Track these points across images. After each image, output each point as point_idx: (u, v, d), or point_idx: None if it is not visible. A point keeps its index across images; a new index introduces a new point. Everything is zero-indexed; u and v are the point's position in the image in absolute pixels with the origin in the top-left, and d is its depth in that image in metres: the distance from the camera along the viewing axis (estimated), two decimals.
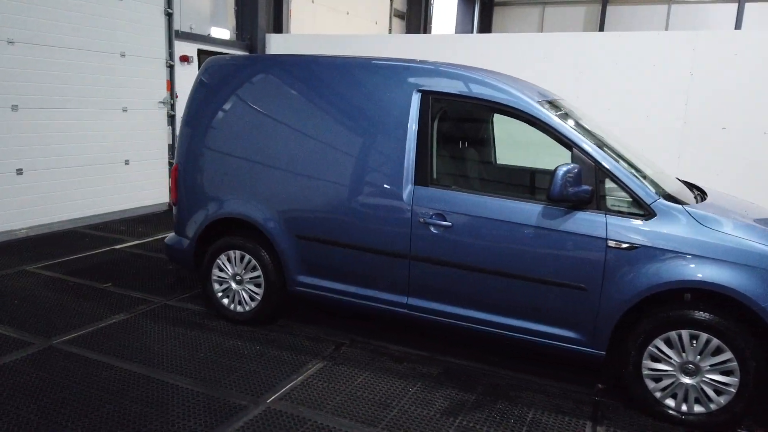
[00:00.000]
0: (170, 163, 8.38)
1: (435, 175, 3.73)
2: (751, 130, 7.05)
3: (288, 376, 3.60)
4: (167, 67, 8.23)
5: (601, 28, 23.19)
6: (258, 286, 4.26)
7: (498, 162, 4.76)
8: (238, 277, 4.33)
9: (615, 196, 3.31)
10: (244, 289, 4.32)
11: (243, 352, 3.89)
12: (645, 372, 3.24)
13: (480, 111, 3.98)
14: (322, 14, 12.37)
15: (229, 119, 4.30)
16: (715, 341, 3.05)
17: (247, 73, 4.31)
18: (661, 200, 3.22)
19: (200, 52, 8.88)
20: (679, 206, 3.20)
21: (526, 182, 3.81)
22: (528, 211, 3.42)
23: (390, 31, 15.59)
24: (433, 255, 3.64)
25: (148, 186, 8.21)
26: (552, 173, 3.20)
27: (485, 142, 4.66)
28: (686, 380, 3.15)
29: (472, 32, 22.99)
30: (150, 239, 6.72)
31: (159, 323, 4.32)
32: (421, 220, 3.64)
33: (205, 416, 3.09)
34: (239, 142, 4.24)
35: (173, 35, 8.26)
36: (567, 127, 3.42)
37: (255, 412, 3.16)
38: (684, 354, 3.13)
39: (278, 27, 10.70)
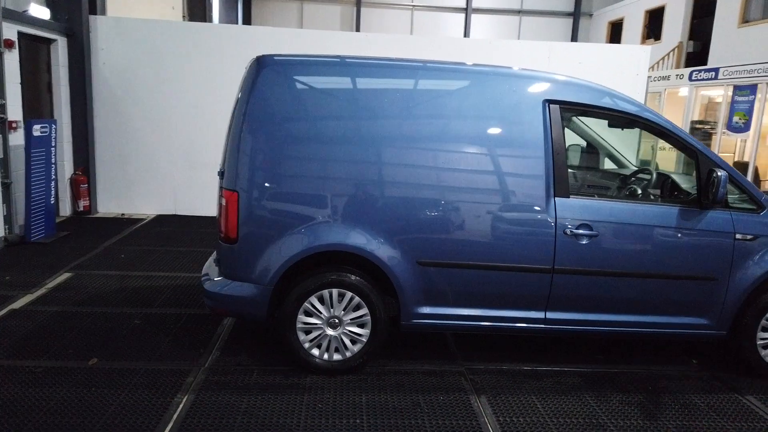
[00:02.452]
0: (3, 184, 6.26)
1: (572, 186, 3.71)
2: None
3: (469, 416, 3.21)
4: None
5: (357, 29, 24.56)
6: (362, 326, 3.63)
7: (606, 167, 4.81)
8: (334, 321, 3.62)
9: (733, 195, 3.79)
10: (343, 333, 3.63)
11: (398, 406, 3.31)
12: (758, 342, 3.82)
13: (598, 118, 4.05)
14: None
15: (319, 131, 3.52)
16: None
17: (337, 76, 3.59)
18: (766, 196, 3.82)
19: (20, 36, 6.77)
20: None
21: (649, 186, 4.05)
22: (666, 213, 3.69)
23: (185, 17, 14.02)
24: (579, 265, 3.64)
25: None
26: (714, 180, 3.51)
27: (594, 149, 4.74)
28: None
29: (237, 23, 22.04)
30: (42, 289, 4.99)
31: (242, 395, 3.36)
32: (567, 231, 3.59)
33: None
34: (337, 158, 3.52)
35: None
36: (691, 136, 3.77)
37: None
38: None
39: (93, 8, 8.75)
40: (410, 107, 3.57)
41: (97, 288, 5.09)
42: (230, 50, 8.10)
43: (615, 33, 24.04)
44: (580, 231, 3.60)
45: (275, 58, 3.58)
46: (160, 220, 8.00)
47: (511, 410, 3.35)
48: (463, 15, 25.72)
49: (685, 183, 4.06)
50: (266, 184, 3.50)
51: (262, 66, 3.54)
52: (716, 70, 11.89)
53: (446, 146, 3.58)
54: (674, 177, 4.09)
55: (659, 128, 3.75)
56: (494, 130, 3.60)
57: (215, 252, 4.17)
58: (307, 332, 3.62)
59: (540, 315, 3.72)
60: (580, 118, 4.41)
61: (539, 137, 3.60)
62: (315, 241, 3.49)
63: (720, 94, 12.46)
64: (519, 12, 26.12)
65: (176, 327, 4.33)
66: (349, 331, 3.63)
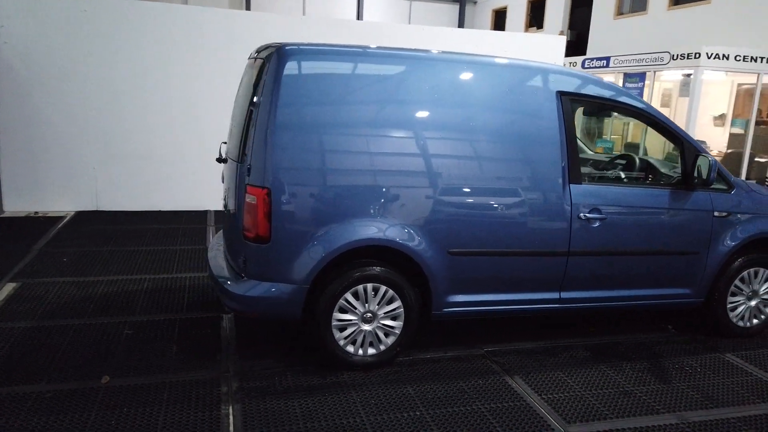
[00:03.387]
0: None
1: (583, 172, 3.95)
2: None
3: (515, 397, 3.37)
4: None
5: (248, 7, 23.69)
6: (395, 319, 3.64)
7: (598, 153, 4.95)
8: (368, 315, 3.58)
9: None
10: (377, 327, 3.61)
11: (447, 394, 3.37)
12: (728, 306, 4.36)
13: (600, 110, 4.30)
14: None
15: (352, 123, 3.43)
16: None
17: (362, 70, 3.52)
18: (734, 177, 4.32)
19: None
20: (740, 180, 4.37)
21: (643, 171, 4.37)
22: (660, 195, 4.06)
23: None
24: (590, 247, 3.91)
25: None
26: (704, 164, 3.92)
27: (590, 137, 4.95)
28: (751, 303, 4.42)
29: None
30: None
31: (289, 399, 3.25)
32: (582, 216, 3.84)
33: None
34: (369, 151, 3.45)
35: None
36: (678, 127, 4.16)
37: None
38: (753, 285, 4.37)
39: None
40: (438, 98, 3.59)
41: (58, 298, 4.56)
42: (151, 29, 7.48)
43: (499, 20, 25.29)
44: (592, 215, 3.86)
45: (301, 47, 3.42)
46: (83, 217, 7.26)
47: (547, 387, 3.55)
48: None
49: (663, 167, 4.49)
50: (301, 179, 3.36)
51: (288, 56, 3.36)
52: (607, 59, 13.01)
53: (473, 137, 3.65)
54: (654, 162, 4.50)
55: (655, 120, 4.11)
56: (517, 122, 3.73)
57: (225, 252, 3.94)
58: (342, 329, 3.55)
59: (555, 295, 3.96)
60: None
61: (554, 127, 3.79)
62: (353, 236, 3.42)
63: (611, 80, 13.66)
64: None
65: (174, 334, 4.03)
66: (383, 324, 3.61)
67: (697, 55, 10.67)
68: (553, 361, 3.92)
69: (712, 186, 4.18)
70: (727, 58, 10.79)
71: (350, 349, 3.59)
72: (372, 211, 3.47)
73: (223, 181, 4.45)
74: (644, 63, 11.98)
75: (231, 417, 3.06)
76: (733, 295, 4.36)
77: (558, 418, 3.21)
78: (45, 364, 3.51)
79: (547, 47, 9.33)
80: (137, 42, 7.48)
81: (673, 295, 4.23)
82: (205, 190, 7.79)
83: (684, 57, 10.91)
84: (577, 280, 3.97)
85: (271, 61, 3.39)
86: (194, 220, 7.32)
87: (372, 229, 3.45)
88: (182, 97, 7.75)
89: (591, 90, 3.97)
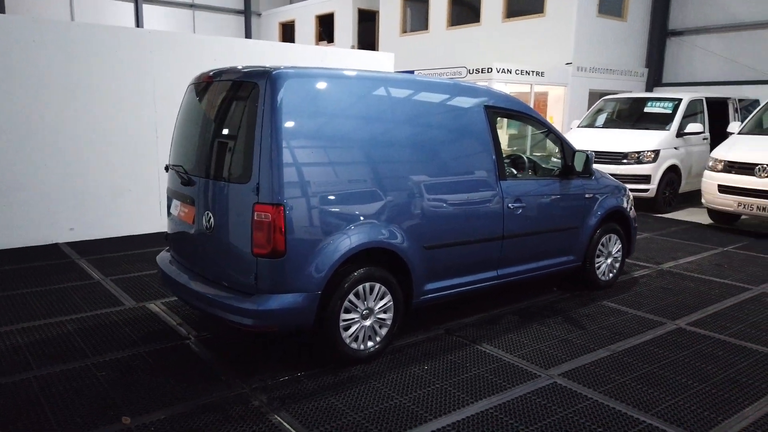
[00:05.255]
0: None
1: (505, 170, 4.82)
2: None
3: (497, 360, 4.10)
4: None
5: (2, 10, 20.71)
6: (386, 312, 4.08)
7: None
8: (366, 312, 3.96)
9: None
10: (375, 321, 4.01)
11: (455, 365, 3.93)
12: (596, 266, 5.66)
13: (509, 118, 5.15)
14: None
15: (341, 141, 3.78)
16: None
17: (346, 90, 3.88)
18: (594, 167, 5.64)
19: None
20: (595, 169, 5.69)
21: (546, 165, 5.34)
22: (556, 184, 5.15)
23: None
24: (516, 230, 4.80)
25: None
26: (585, 157, 5.08)
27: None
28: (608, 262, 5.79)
29: None
30: None
31: (324, 398, 3.49)
32: (510, 206, 4.72)
33: None
34: (358, 162, 3.85)
35: None
36: (557, 129, 5.30)
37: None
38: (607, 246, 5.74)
39: None
40: (401, 115, 4.13)
41: None
42: None
43: (287, 33, 25.99)
44: (516, 204, 4.76)
45: (291, 71, 3.66)
46: None
47: (511, 347, 4.32)
48: (132, 4, 24.04)
49: (543, 162, 5.64)
50: (310, 192, 3.61)
51: (282, 79, 3.58)
52: (412, 72, 14.59)
53: (436, 148, 4.28)
54: (535, 158, 5.63)
55: (546, 126, 5.20)
56: (462, 133, 4.46)
57: (193, 273, 3.98)
58: (346, 329, 3.87)
59: (494, 273, 4.78)
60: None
61: (485, 133, 4.59)
62: (358, 241, 3.78)
63: None
64: (192, 6, 25.82)
65: (154, 366, 3.87)
66: (379, 318, 4.02)
67: (490, 70, 12.70)
68: (499, 327, 4.72)
69: (582, 174, 5.42)
70: (511, 72, 13.04)
71: (354, 345, 3.92)
72: (371, 215, 3.86)
73: (170, 207, 4.39)
74: (446, 76, 13.77)
75: (285, 424, 3.20)
76: (597, 256, 5.68)
77: (536, 367, 4.00)
78: (48, 427, 3.17)
79: (378, 64, 10.29)
80: None
81: (566, 261, 5.38)
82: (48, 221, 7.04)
83: (479, 71, 12.88)
84: (508, 259, 4.84)
85: (267, 85, 3.55)
86: (51, 256, 6.58)
87: (375, 234, 3.85)
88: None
89: (504, 104, 4.87)
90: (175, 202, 4.35)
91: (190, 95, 4.31)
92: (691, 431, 3.22)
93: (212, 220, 3.84)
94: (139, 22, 23.88)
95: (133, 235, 7.60)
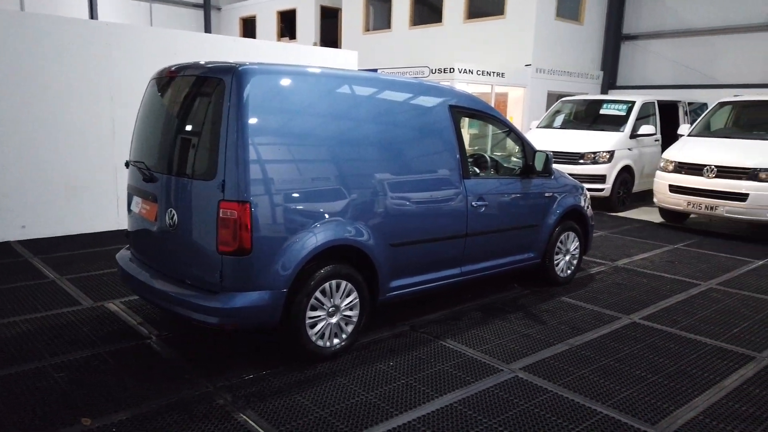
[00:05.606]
0: None
1: (469, 169, 4.90)
2: None
3: (460, 355, 4.18)
4: None
5: None
6: (352, 309, 4.10)
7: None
8: (332, 309, 3.98)
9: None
10: (341, 319, 4.03)
11: (420, 361, 3.98)
12: (555, 262, 5.82)
13: (472, 118, 5.22)
14: None
15: (307, 138, 3.78)
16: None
17: (312, 87, 3.87)
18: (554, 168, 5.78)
19: None
20: (554, 168, 5.85)
21: (507, 164, 5.41)
22: (517, 183, 5.26)
23: None
24: (479, 228, 4.89)
25: None
26: (545, 157, 5.20)
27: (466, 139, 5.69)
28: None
29: None
30: None
31: (290, 396, 3.50)
32: (473, 204, 4.80)
33: None
34: (323, 160, 3.86)
35: None
36: (518, 130, 5.41)
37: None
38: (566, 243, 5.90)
39: None
40: (366, 112, 4.16)
41: None
42: None
43: (248, 29, 25.65)
44: (479, 202, 4.85)
45: (257, 67, 3.64)
46: None
47: (474, 343, 4.41)
48: None
49: (505, 162, 5.75)
50: (276, 190, 3.60)
51: (249, 75, 3.56)
52: (375, 70, 14.62)
53: (401, 146, 4.32)
54: (497, 158, 5.73)
55: (502, 122, 5.30)
56: (426, 132, 4.52)
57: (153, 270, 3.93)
58: (312, 326, 3.88)
59: (458, 270, 4.85)
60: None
61: (449, 133, 4.66)
62: (324, 239, 3.79)
63: None
64: None
65: (115, 367, 3.80)
66: (345, 315, 4.04)
67: (452, 70, 12.84)
68: (461, 324, 4.81)
69: (542, 174, 5.56)
70: (472, 72, 13.21)
71: (320, 343, 3.93)
72: (337, 213, 3.88)
73: (131, 204, 4.32)
74: (409, 75, 13.85)
75: (251, 422, 3.19)
76: (556, 253, 5.84)
77: (497, 361, 4.09)
78: (4, 431, 3.07)
79: (342, 62, 10.28)
80: None
81: (527, 258, 5.51)
82: None
83: (442, 71, 13.01)
84: (471, 256, 4.92)
85: (233, 81, 3.53)
86: (3, 255, 6.35)
87: (340, 230, 3.87)
88: None
89: (468, 103, 4.95)
90: (137, 199, 4.27)
91: (152, 90, 4.24)
92: (645, 421, 3.36)
93: (176, 217, 3.79)
94: (93, 14, 23.14)
95: (89, 233, 7.39)
